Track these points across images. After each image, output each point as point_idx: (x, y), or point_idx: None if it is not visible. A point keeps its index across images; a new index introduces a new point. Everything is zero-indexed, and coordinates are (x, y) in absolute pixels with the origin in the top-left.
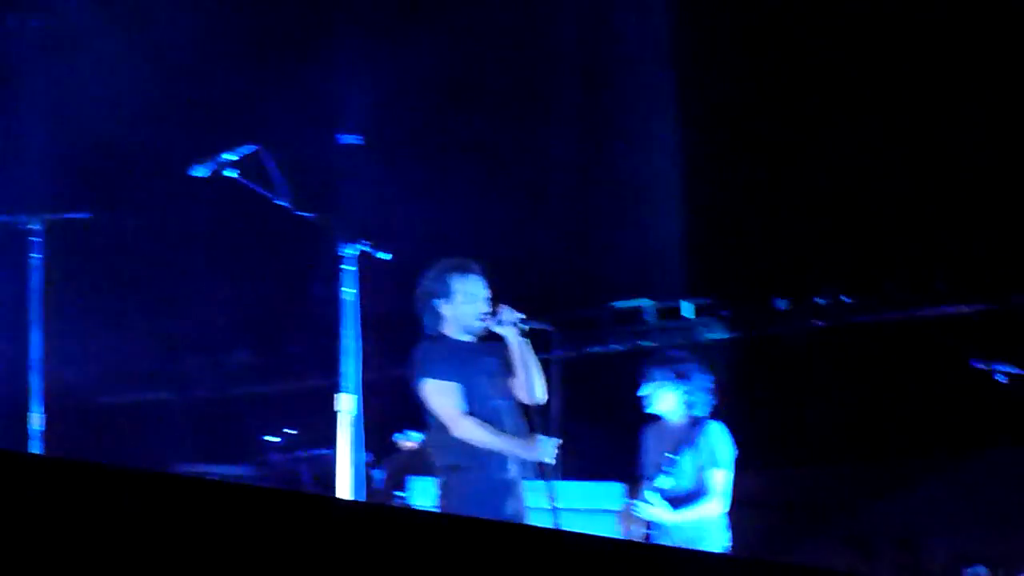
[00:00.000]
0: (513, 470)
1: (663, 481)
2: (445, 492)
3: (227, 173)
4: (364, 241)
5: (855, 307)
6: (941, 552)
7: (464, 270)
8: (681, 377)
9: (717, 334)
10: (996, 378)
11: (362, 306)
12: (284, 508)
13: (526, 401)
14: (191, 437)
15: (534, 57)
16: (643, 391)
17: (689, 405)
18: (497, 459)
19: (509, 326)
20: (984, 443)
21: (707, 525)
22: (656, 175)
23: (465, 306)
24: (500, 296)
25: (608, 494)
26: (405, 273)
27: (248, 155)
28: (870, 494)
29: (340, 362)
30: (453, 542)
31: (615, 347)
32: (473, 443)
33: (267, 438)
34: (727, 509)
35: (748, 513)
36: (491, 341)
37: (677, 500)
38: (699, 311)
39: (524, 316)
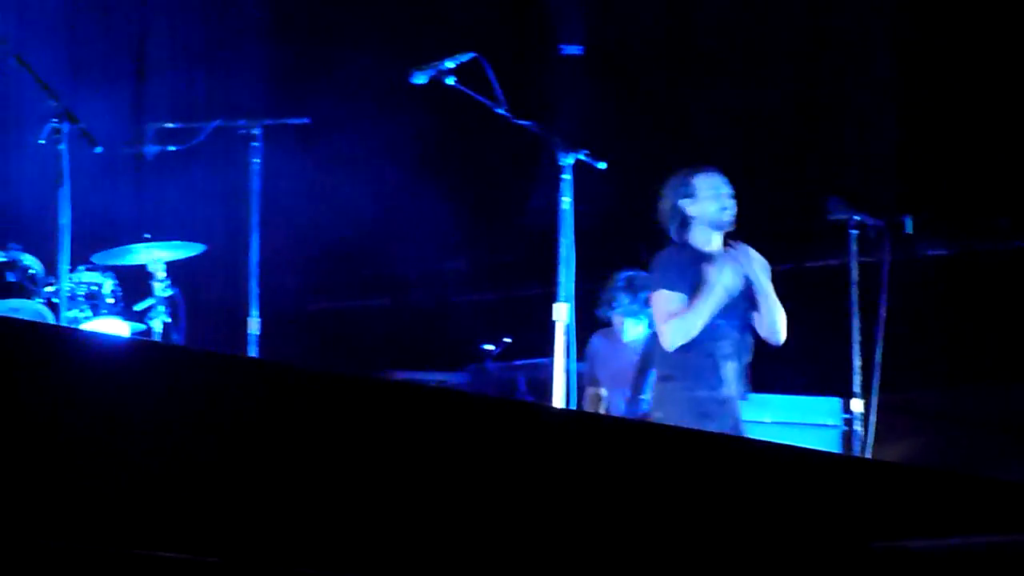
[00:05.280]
0: (728, 389)
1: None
2: (656, 403)
3: (447, 81)
4: (582, 150)
5: None
6: None
7: (704, 169)
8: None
9: (936, 250)
10: None
11: (578, 215)
12: (501, 416)
13: (767, 337)
14: (407, 344)
15: None
16: (614, 316)
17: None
18: (709, 376)
19: (746, 266)
20: None
21: None
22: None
23: (710, 202)
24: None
25: (823, 409)
26: (621, 182)
27: (466, 63)
28: None
29: (557, 271)
30: (661, 451)
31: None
32: (682, 340)
33: (484, 346)
34: None
35: (940, 427)
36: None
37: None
38: (918, 227)
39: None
